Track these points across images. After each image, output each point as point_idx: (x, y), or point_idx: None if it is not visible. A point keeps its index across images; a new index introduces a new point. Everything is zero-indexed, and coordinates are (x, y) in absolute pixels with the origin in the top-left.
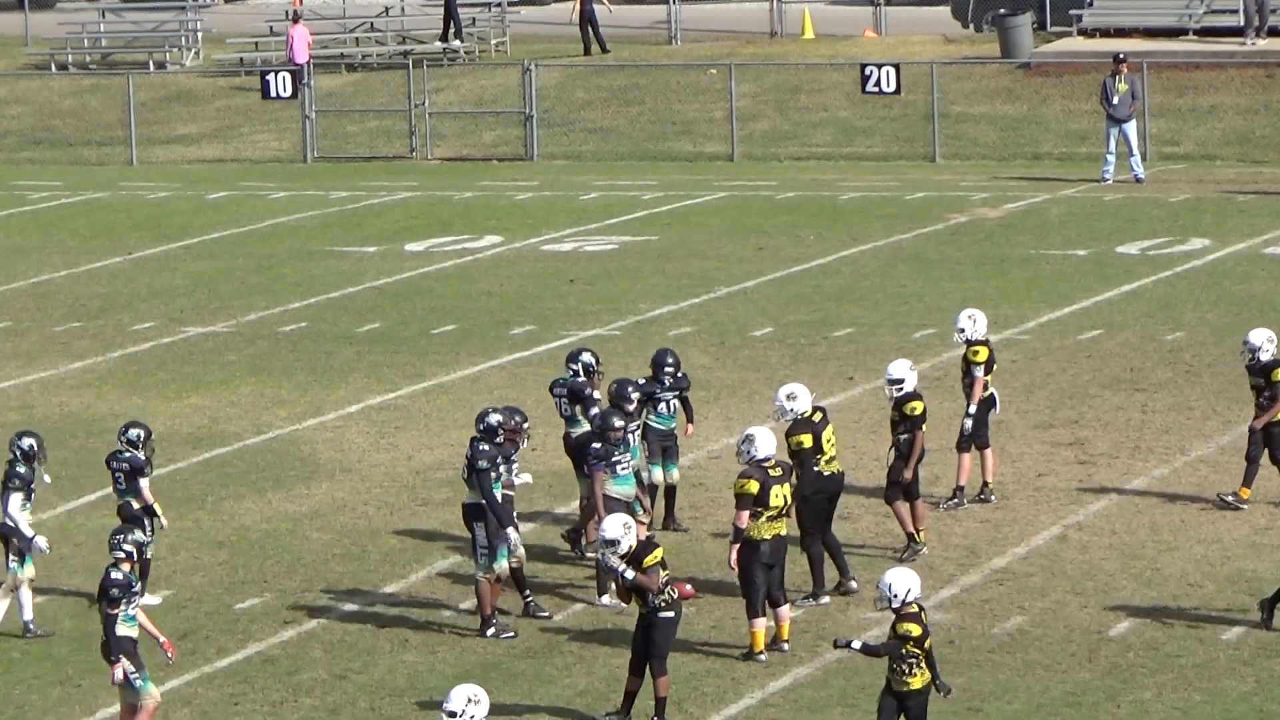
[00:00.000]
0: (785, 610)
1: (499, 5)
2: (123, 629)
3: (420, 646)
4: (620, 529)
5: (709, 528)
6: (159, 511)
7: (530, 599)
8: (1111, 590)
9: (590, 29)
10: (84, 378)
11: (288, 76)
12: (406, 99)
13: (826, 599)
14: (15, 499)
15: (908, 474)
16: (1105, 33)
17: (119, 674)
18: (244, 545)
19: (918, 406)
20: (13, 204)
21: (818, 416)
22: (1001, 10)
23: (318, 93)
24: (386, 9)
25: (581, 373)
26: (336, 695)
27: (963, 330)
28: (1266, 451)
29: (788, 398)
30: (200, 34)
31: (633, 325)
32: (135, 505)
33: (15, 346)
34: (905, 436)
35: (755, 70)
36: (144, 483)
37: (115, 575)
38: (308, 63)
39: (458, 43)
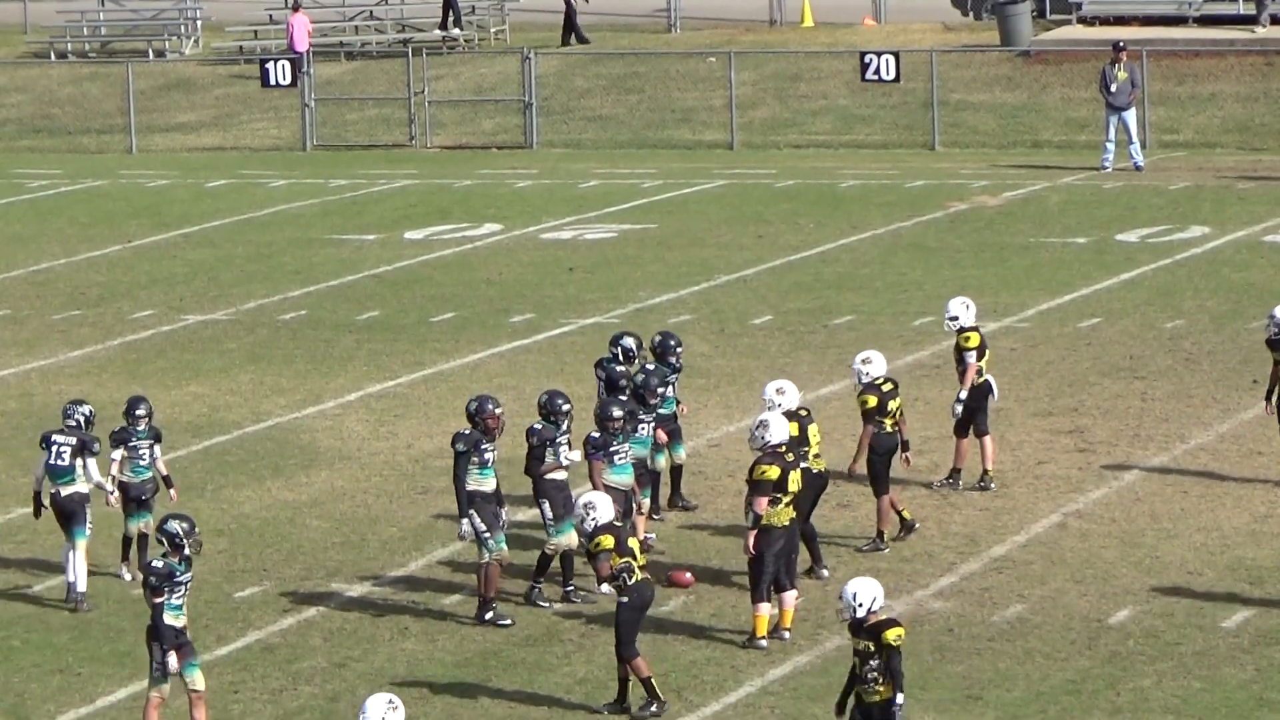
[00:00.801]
0: (791, 597)
1: None
2: (169, 618)
3: (420, 634)
4: (603, 504)
5: (708, 516)
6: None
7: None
8: (1111, 578)
9: (566, 21)
10: (83, 366)
11: (287, 65)
12: (406, 87)
13: (826, 572)
14: (93, 463)
15: (854, 465)
16: (1105, 20)
17: (173, 663)
18: (243, 533)
19: (869, 400)
20: (12, 192)
21: (803, 413)
22: None
23: (317, 81)
24: None
25: (621, 357)
26: (336, 683)
27: (956, 318)
28: None
29: (776, 392)
30: (199, 22)
31: (632, 313)
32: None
33: (15, 335)
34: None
35: (755, 58)
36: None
37: (155, 564)
38: (307, 51)
39: (457, 31)
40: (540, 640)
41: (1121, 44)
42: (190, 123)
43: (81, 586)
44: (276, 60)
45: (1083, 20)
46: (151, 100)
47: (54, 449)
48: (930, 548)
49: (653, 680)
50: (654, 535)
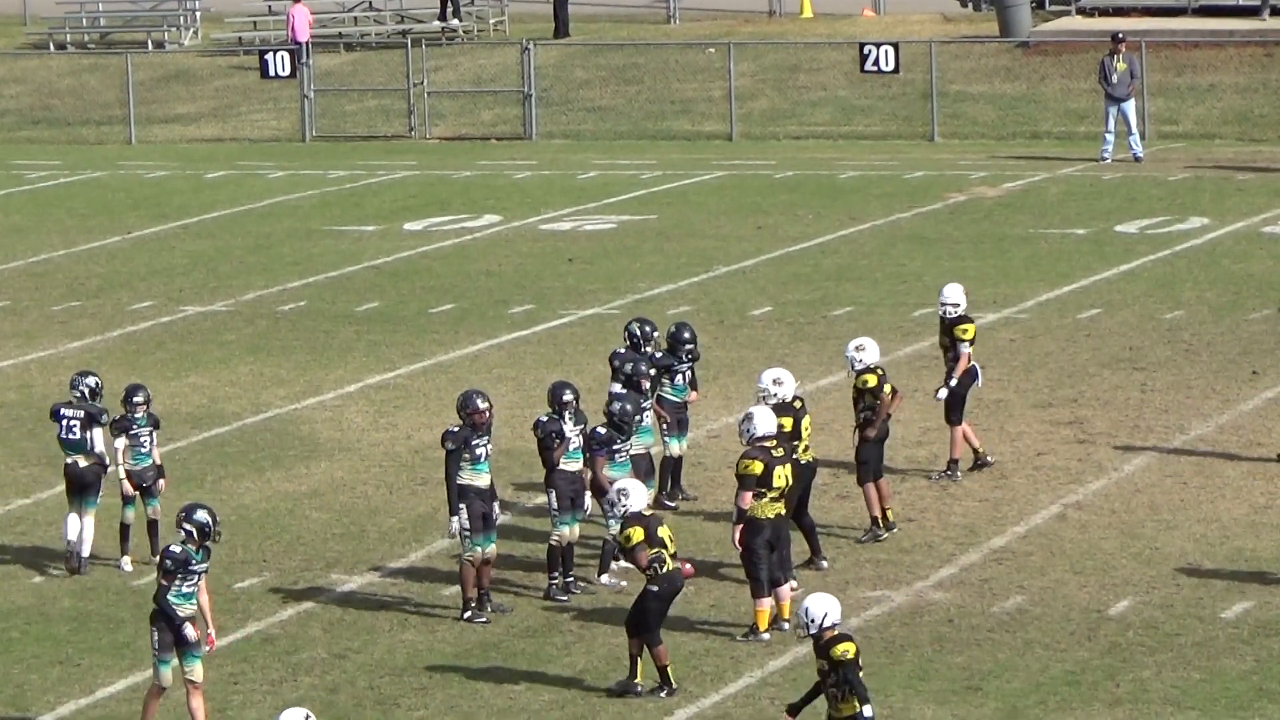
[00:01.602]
0: (786, 590)
1: None
2: (175, 604)
3: (420, 626)
4: (636, 491)
5: (708, 507)
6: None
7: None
8: (1111, 569)
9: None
10: (83, 357)
11: (286, 56)
12: (405, 78)
13: (825, 563)
14: (99, 433)
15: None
16: (1104, 11)
17: (191, 632)
18: (243, 525)
19: (870, 380)
20: (11, 183)
21: (798, 404)
22: None
23: (316, 72)
24: None
25: (627, 341)
26: (336, 674)
27: (957, 305)
28: None
29: (774, 382)
30: (199, 13)
31: (632, 304)
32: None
33: (14, 326)
34: (865, 413)
35: (754, 49)
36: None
37: (173, 549)
38: (307, 42)
39: (456, 22)
40: (540, 631)
41: (1120, 35)
42: (189, 114)
43: (86, 552)
44: (276, 51)
45: (1082, 11)
46: (151, 91)
47: (64, 423)
48: (930, 539)
49: (669, 670)
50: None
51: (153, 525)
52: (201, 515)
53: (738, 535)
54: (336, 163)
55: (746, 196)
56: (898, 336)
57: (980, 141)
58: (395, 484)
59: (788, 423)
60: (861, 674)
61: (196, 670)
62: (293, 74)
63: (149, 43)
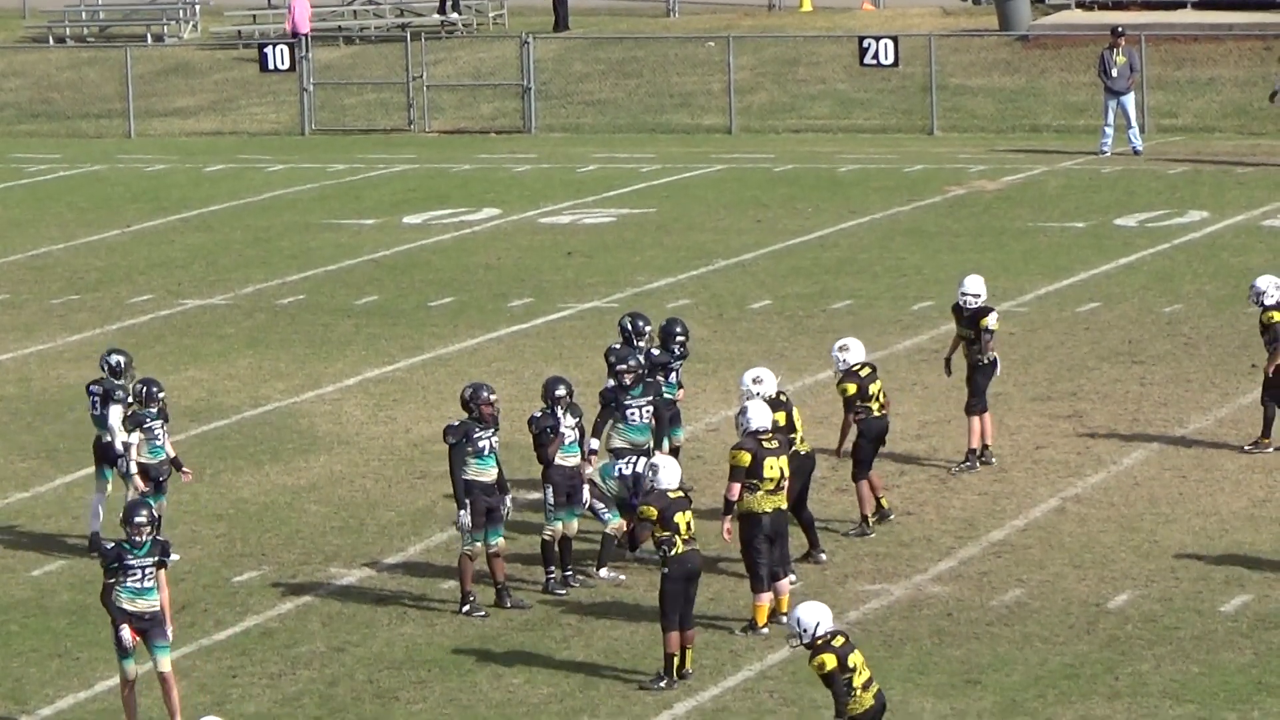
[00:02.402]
0: (785, 584)
1: None
2: (121, 600)
3: (418, 619)
4: (672, 463)
5: (706, 500)
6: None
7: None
8: (1110, 563)
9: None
10: (82, 350)
11: (285, 49)
12: (404, 71)
13: (824, 556)
14: (115, 411)
15: (840, 448)
16: (1103, 5)
17: (126, 637)
18: (242, 518)
19: (849, 388)
20: (10, 176)
21: (783, 398)
22: None
23: (315, 65)
24: None
25: (621, 337)
26: (335, 668)
27: (978, 295)
28: None
29: (753, 381)
30: (198, 7)
31: (631, 297)
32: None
33: (13, 319)
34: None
35: (753, 43)
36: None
37: (107, 544)
38: (307, 35)
39: (455, 15)
40: (538, 625)
41: (1120, 28)
42: (189, 107)
43: (99, 525)
44: (275, 45)
45: (1081, 5)
46: (150, 85)
47: (91, 399)
48: (929, 532)
49: (674, 659)
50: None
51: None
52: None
53: (726, 526)
54: (336, 156)
55: (746, 190)
56: (897, 330)
57: (980, 135)
58: (394, 477)
59: (780, 416)
60: (847, 678)
61: (164, 661)
62: (292, 67)
63: (148, 36)
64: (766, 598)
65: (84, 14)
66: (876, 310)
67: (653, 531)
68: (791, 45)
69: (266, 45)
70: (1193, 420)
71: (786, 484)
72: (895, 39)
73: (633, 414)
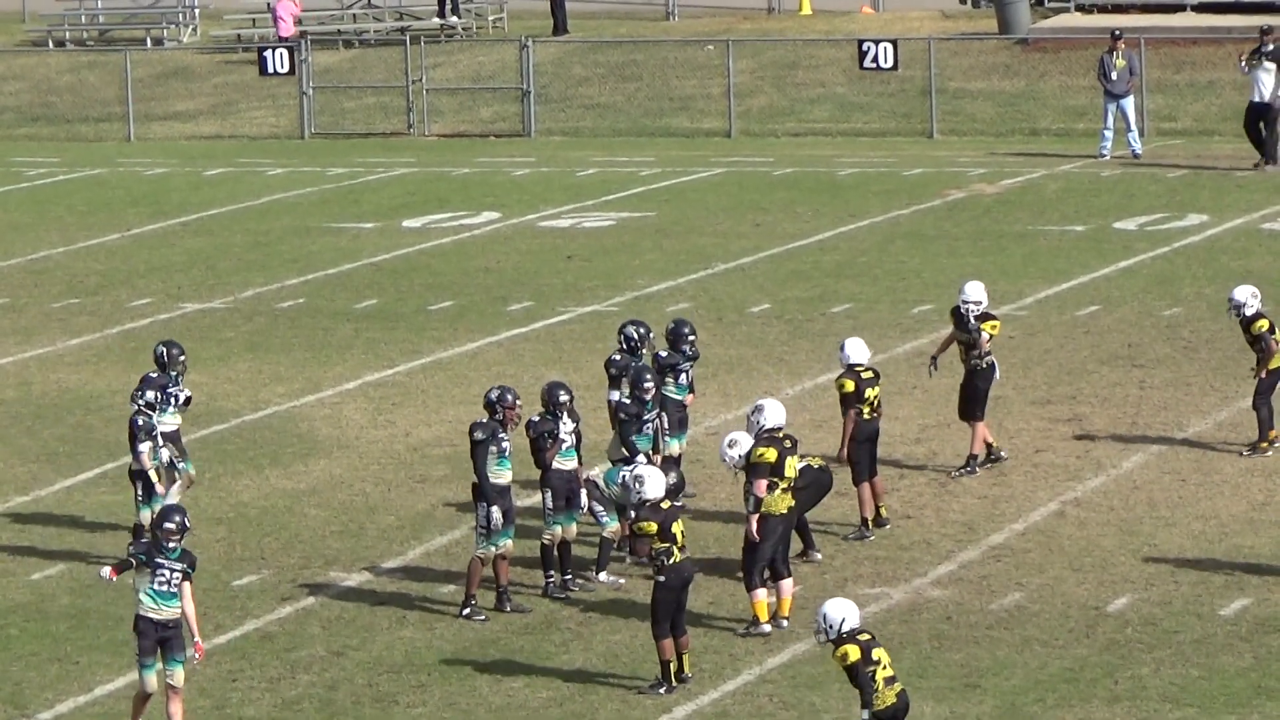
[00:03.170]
0: (788, 585)
1: None
2: (141, 606)
3: (418, 623)
4: (657, 473)
5: (706, 504)
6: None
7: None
8: (1109, 566)
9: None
10: (82, 354)
11: (285, 53)
12: (404, 75)
13: (819, 555)
14: (145, 448)
15: (842, 451)
16: (1103, 8)
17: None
18: (242, 522)
19: (848, 385)
20: (10, 181)
21: (788, 443)
22: None
23: (315, 69)
24: None
25: (624, 346)
26: (334, 672)
27: (980, 303)
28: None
29: (729, 445)
30: (197, 10)
31: (630, 301)
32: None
33: (13, 323)
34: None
35: (753, 46)
36: (145, 447)
37: (144, 539)
38: (304, 37)
39: (455, 19)
40: (538, 629)
41: (1119, 32)
42: (188, 111)
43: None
44: (274, 48)
45: (1081, 8)
46: (149, 89)
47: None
48: (929, 536)
49: (670, 666)
50: None
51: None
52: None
53: (754, 526)
54: (335, 160)
55: (745, 193)
56: (896, 333)
57: (979, 138)
58: (394, 481)
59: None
60: (870, 670)
61: (178, 675)
62: (291, 71)
63: (148, 40)
64: (763, 593)
65: (84, 18)
66: (876, 314)
67: (652, 545)
68: (791, 49)
69: (266, 49)
70: (1192, 424)
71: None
72: (895, 42)
73: (646, 425)
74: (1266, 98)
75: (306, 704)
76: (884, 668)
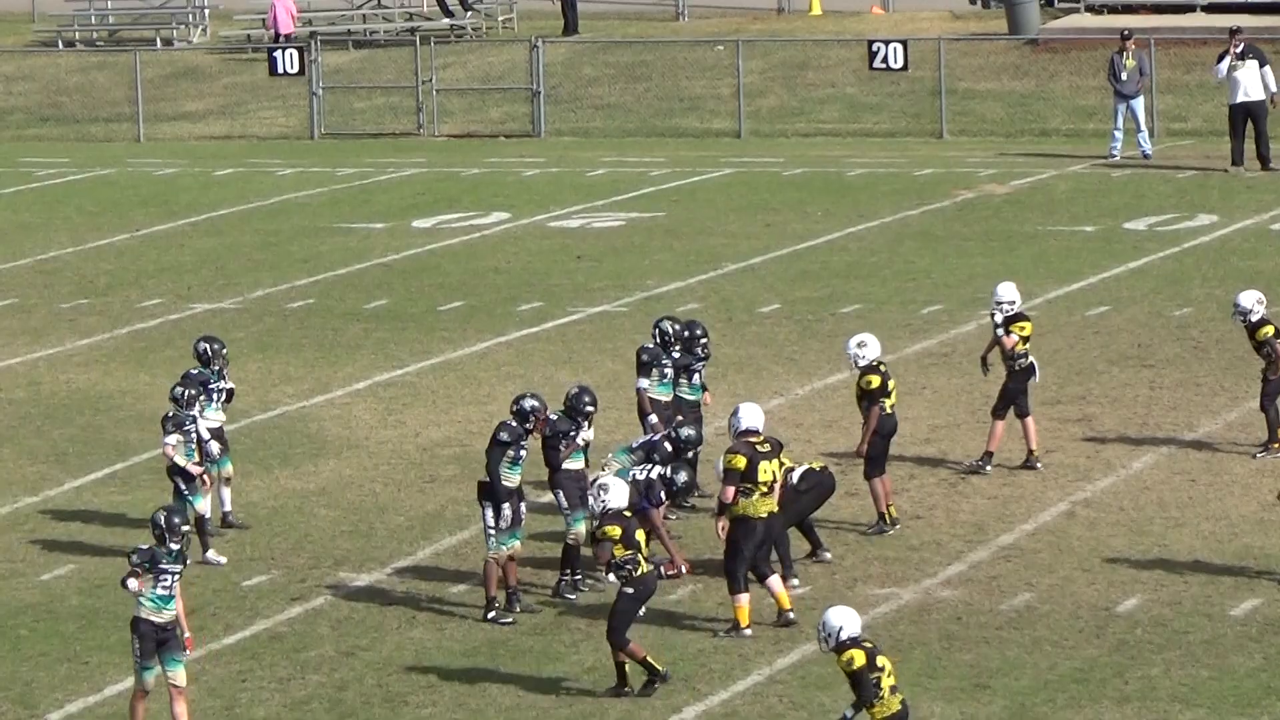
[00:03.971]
0: (775, 581)
1: None
2: (150, 607)
3: (428, 623)
4: (617, 490)
5: (713, 505)
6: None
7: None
8: (1119, 567)
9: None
10: (91, 354)
11: (294, 53)
12: (414, 75)
13: (829, 555)
14: (173, 439)
15: (863, 446)
16: (1113, 9)
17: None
18: (251, 522)
19: (873, 380)
20: (20, 181)
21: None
22: None
23: (325, 69)
24: None
25: (656, 339)
26: (344, 672)
27: (1013, 302)
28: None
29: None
30: (207, 10)
31: (640, 301)
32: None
33: (22, 323)
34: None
35: (762, 46)
36: (173, 438)
37: (142, 546)
38: (314, 38)
39: (467, 16)
40: (548, 629)
41: (1129, 32)
42: (198, 111)
43: (227, 506)
44: (284, 49)
45: (1091, 8)
46: (159, 89)
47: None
48: (939, 536)
49: (649, 657)
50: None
51: (202, 520)
52: (157, 515)
53: (720, 528)
54: (345, 160)
55: (755, 194)
56: (906, 334)
57: (989, 139)
58: (404, 482)
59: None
60: (875, 677)
61: (179, 675)
62: (301, 71)
63: (157, 40)
64: (745, 598)
65: (93, 18)
66: (885, 314)
67: (613, 552)
68: (801, 49)
69: (275, 49)
70: (1202, 424)
71: (778, 487)
72: (904, 43)
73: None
74: (1252, 96)
75: (316, 704)
76: (888, 675)
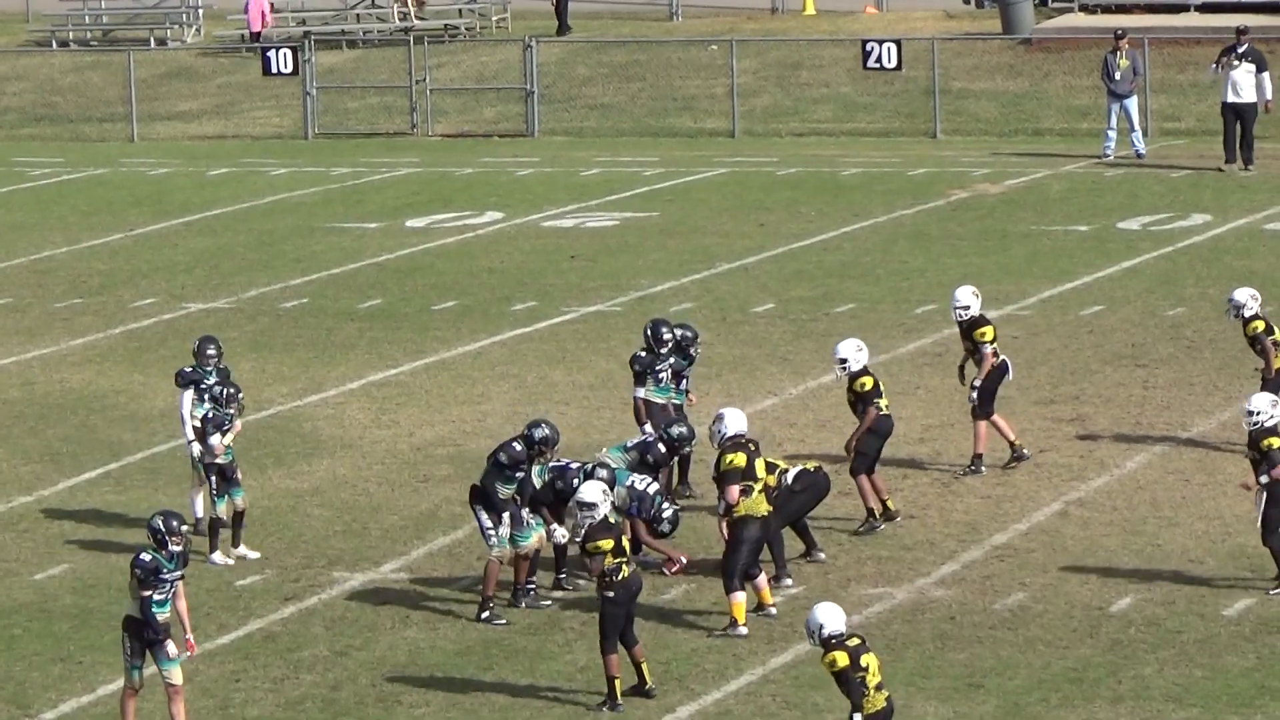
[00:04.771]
0: (761, 579)
1: None
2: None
3: (421, 623)
4: (599, 495)
5: (710, 503)
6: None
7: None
8: (1113, 566)
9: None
10: (85, 354)
11: (288, 53)
12: (407, 75)
13: (823, 555)
14: (186, 396)
15: (853, 441)
16: (1106, 8)
17: (172, 649)
18: (245, 522)
19: (867, 382)
20: (14, 180)
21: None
22: None
23: (318, 69)
24: None
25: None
26: (338, 672)
27: (967, 307)
28: None
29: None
30: (200, 10)
31: (634, 301)
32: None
33: (16, 323)
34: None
35: (756, 46)
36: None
37: (143, 558)
38: (308, 37)
39: (417, 22)
40: (542, 629)
41: (1123, 31)
42: (192, 111)
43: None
44: (278, 48)
45: (1084, 8)
46: (153, 89)
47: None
48: (932, 535)
49: (617, 682)
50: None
51: (239, 516)
52: (155, 521)
53: (725, 527)
54: (339, 160)
55: (749, 193)
56: (900, 333)
57: (983, 138)
58: (397, 481)
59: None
60: (860, 676)
61: (175, 674)
62: (295, 71)
63: (151, 40)
64: (741, 595)
65: (87, 18)
66: (879, 314)
67: (605, 562)
68: (794, 49)
69: (269, 49)
70: (1196, 423)
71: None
72: (898, 42)
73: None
74: (1244, 98)
75: (310, 704)
76: (872, 674)
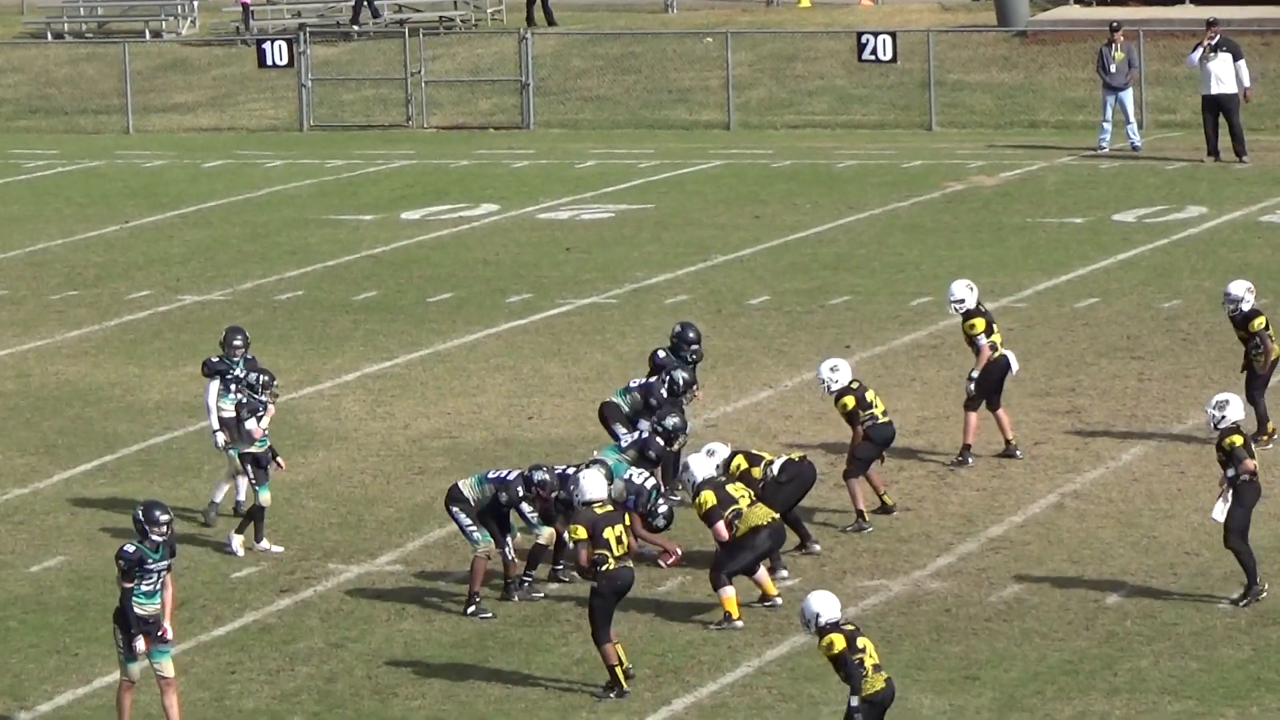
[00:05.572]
0: (762, 573)
1: None
2: (135, 607)
3: (417, 615)
4: (600, 488)
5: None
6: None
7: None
8: (1108, 559)
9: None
10: (80, 346)
11: (284, 45)
12: (403, 67)
13: (818, 547)
14: (212, 386)
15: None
16: (1101, 1)
17: (140, 645)
18: (240, 514)
19: (849, 402)
20: (9, 173)
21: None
22: None
23: (314, 61)
24: None
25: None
26: (333, 664)
27: (961, 300)
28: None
29: (707, 454)
30: (196, 2)
31: (629, 293)
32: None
33: (11, 315)
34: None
35: (751, 38)
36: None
37: (127, 549)
38: (303, 29)
39: (366, 24)
40: (537, 621)
41: (1118, 24)
42: (187, 103)
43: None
44: (273, 40)
45: (1080, 0)
46: (148, 80)
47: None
48: (927, 528)
49: (618, 670)
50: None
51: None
52: (136, 511)
53: (724, 534)
54: (334, 152)
55: (744, 186)
56: (895, 325)
57: (978, 131)
58: (392, 473)
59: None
60: (858, 658)
61: (166, 666)
62: (290, 63)
63: (146, 32)
64: (730, 589)
65: (82, 9)
66: (875, 306)
67: (589, 551)
68: (790, 41)
69: (265, 41)
70: (1191, 416)
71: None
72: (894, 35)
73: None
74: (1225, 88)
75: (305, 696)
76: (870, 655)
